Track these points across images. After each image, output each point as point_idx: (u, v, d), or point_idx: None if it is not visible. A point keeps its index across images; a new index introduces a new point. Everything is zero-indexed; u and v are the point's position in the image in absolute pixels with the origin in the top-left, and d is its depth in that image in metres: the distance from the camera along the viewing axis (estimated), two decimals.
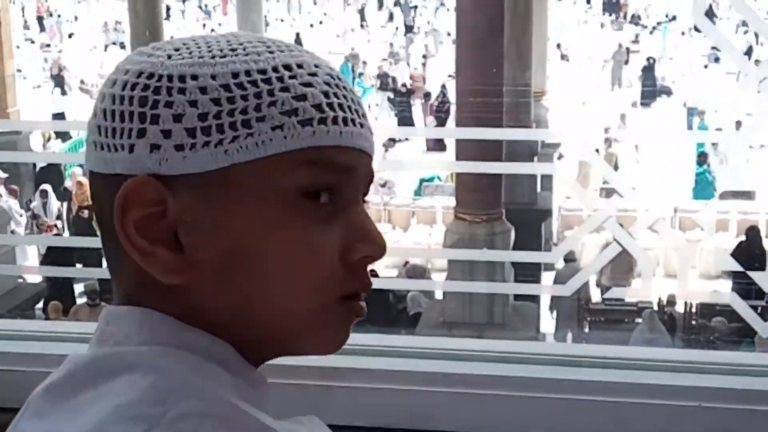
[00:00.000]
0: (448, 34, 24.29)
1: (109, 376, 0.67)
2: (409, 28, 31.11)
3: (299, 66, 0.73)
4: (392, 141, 14.88)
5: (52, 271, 8.30)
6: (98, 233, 0.77)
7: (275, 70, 0.72)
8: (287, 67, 0.73)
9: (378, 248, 0.75)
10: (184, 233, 0.71)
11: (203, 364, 0.69)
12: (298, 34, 27.11)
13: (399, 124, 18.86)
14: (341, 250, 0.73)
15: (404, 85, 20.76)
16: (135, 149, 0.71)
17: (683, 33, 27.24)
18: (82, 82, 21.33)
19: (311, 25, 31.47)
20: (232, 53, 0.73)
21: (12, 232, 10.93)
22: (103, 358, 0.69)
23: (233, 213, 0.71)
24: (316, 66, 0.75)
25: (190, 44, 0.74)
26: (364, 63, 23.98)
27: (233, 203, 0.71)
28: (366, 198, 0.79)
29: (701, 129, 16.74)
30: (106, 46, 28.43)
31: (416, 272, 9.27)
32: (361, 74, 22.34)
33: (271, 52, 0.74)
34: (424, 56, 25.05)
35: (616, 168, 11.38)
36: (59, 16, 33.61)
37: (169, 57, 0.73)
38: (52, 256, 8.71)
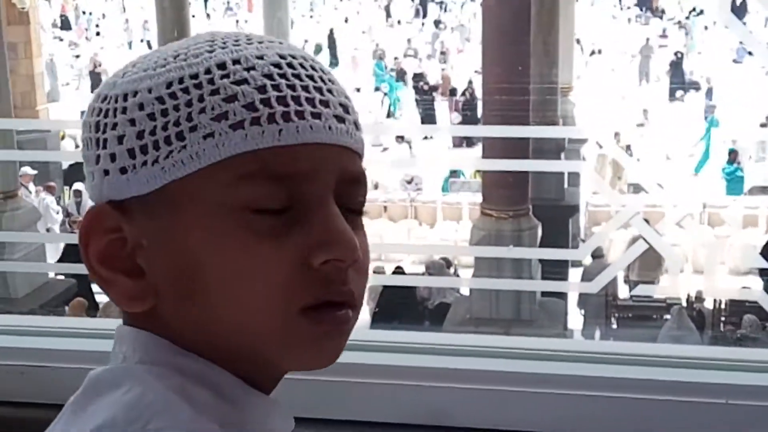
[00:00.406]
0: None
1: (103, 392, 0.68)
2: (436, 24, 31.08)
3: (235, 62, 0.68)
4: (400, 138, 14.94)
5: (67, 268, 8.35)
6: None
7: (207, 71, 0.67)
8: (221, 66, 0.67)
9: (343, 250, 0.68)
10: (142, 258, 0.69)
11: (187, 385, 0.68)
12: (332, 30, 27.20)
13: (423, 122, 18.90)
14: (304, 257, 0.67)
15: (426, 82, 20.73)
16: (95, 177, 0.70)
17: (706, 27, 27.00)
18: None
19: (346, 20, 31.54)
20: (173, 60, 0.69)
21: (48, 229, 11.13)
22: (103, 374, 0.70)
23: (178, 231, 0.67)
24: (259, 58, 0.68)
25: (149, 56, 0.71)
26: (396, 59, 24.01)
27: (177, 221, 0.67)
28: (358, 193, 0.72)
29: (713, 126, 16.68)
30: (130, 44, 28.75)
31: (435, 268, 9.28)
32: (393, 70, 22.35)
33: (211, 51, 0.68)
34: (443, 53, 25.02)
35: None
36: (91, 14, 34.00)
37: (123, 75, 0.70)
38: (71, 253, 8.76)
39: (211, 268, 0.67)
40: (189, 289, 0.68)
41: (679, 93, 20.54)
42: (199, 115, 0.66)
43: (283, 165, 0.67)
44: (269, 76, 0.68)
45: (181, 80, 0.67)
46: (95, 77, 21.88)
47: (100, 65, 22.59)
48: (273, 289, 0.67)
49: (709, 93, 19.60)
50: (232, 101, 0.66)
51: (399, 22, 31.69)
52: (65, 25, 32.05)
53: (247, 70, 0.67)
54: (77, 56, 25.05)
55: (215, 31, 0.73)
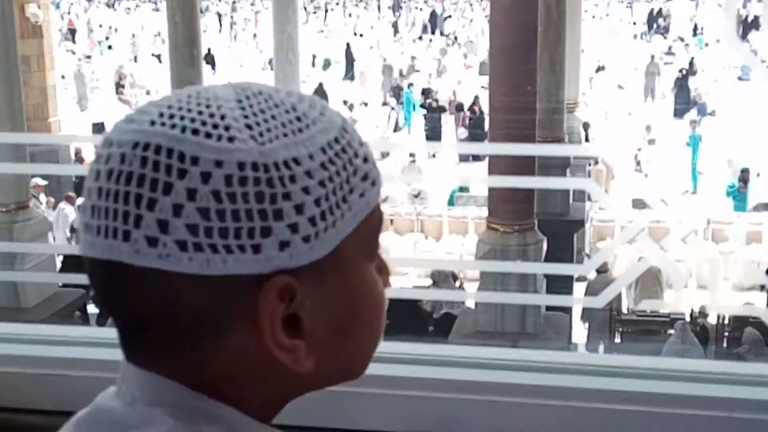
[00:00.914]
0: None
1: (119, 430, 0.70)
2: (446, 36, 31.15)
3: (346, 126, 0.74)
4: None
5: (67, 278, 8.38)
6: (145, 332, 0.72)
7: (342, 136, 0.72)
8: (345, 130, 0.73)
9: (389, 278, 0.80)
10: (306, 318, 0.71)
11: (202, 426, 0.70)
12: (348, 44, 27.36)
13: (428, 139, 19.00)
14: None
15: (436, 99, 20.77)
16: (263, 249, 0.68)
17: (707, 44, 27.00)
18: (121, 93, 21.84)
19: (360, 35, 31.69)
20: (301, 123, 0.71)
21: (68, 239, 11.25)
22: (115, 412, 0.72)
23: (342, 287, 0.73)
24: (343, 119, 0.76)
25: (253, 117, 0.70)
26: (402, 74, 24.06)
27: (341, 277, 0.73)
28: None
29: (695, 140, 16.69)
30: (135, 57, 28.95)
31: (441, 278, 9.30)
32: (410, 85, 22.46)
33: (322, 114, 0.73)
34: (439, 72, 25.10)
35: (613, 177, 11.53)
36: (110, 28, 34.26)
37: (254, 139, 0.68)
38: (70, 264, 8.74)
39: (365, 312, 0.76)
40: (344, 338, 0.75)
41: (682, 109, 20.53)
42: (353, 178, 0.72)
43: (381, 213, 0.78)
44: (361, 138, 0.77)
45: (330, 145, 0.71)
46: (119, 89, 22.29)
47: (124, 77, 22.87)
48: (384, 315, 0.78)
49: (702, 109, 19.60)
50: (366, 162, 0.74)
51: (421, 38, 31.79)
52: (73, 38, 32.29)
53: (353, 132, 0.75)
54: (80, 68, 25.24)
55: (245, 82, 0.74)
